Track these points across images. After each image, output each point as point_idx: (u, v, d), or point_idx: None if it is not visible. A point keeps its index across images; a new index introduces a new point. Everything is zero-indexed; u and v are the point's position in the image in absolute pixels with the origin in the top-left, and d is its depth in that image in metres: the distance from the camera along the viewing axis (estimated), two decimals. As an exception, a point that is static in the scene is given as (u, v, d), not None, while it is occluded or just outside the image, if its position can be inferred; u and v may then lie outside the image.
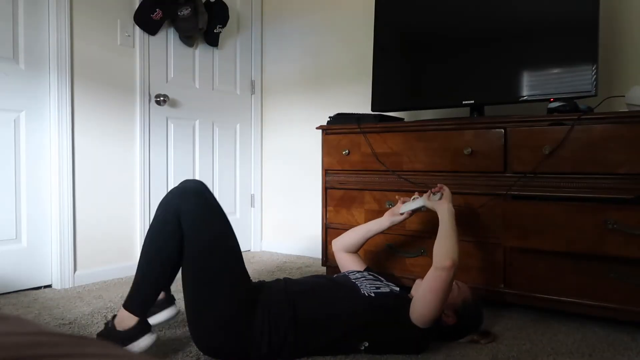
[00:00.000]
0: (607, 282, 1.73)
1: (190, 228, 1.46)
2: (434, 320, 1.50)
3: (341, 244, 1.97)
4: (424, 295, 1.48)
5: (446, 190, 1.78)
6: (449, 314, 1.58)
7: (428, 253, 2.09)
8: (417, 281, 1.65)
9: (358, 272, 1.75)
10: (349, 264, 1.92)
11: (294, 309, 1.47)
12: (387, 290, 1.58)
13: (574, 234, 1.72)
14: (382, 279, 1.70)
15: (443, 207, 1.70)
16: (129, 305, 1.48)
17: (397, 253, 2.19)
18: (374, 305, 1.51)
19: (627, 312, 1.70)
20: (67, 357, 0.37)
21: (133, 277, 1.52)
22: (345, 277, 1.69)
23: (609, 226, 1.64)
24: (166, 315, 1.78)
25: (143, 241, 1.54)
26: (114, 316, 1.49)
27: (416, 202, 1.84)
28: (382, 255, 2.24)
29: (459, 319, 1.59)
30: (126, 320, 1.46)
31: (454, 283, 1.59)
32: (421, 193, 1.88)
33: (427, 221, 2.06)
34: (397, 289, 1.62)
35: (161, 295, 1.78)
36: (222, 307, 1.45)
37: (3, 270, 2.21)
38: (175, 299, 1.79)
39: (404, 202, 1.90)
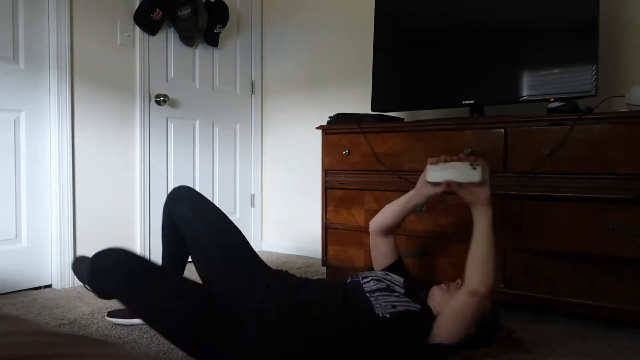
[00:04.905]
0: (607, 282, 1.73)
1: (190, 227, 1.49)
2: (460, 340, 1.41)
3: (379, 225, 1.71)
4: (454, 321, 1.37)
5: (486, 170, 1.41)
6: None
7: (428, 253, 2.09)
8: (435, 291, 1.52)
9: (373, 278, 1.50)
10: (382, 253, 1.72)
11: (305, 321, 1.37)
12: (404, 308, 1.40)
13: (574, 234, 1.71)
14: (398, 284, 1.49)
15: (483, 213, 1.42)
16: None
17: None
18: (389, 328, 1.37)
19: (627, 312, 1.70)
20: (67, 357, 0.37)
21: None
22: (359, 287, 1.47)
23: (609, 226, 1.64)
24: None
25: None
26: None
27: (451, 173, 1.47)
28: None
29: (478, 330, 1.46)
30: None
31: None
32: (452, 157, 1.51)
33: (428, 221, 2.06)
34: (417, 306, 1.43)
35: None
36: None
37: (3, 270, 2.21)
38: None
39: (432, 165, 1.52)
